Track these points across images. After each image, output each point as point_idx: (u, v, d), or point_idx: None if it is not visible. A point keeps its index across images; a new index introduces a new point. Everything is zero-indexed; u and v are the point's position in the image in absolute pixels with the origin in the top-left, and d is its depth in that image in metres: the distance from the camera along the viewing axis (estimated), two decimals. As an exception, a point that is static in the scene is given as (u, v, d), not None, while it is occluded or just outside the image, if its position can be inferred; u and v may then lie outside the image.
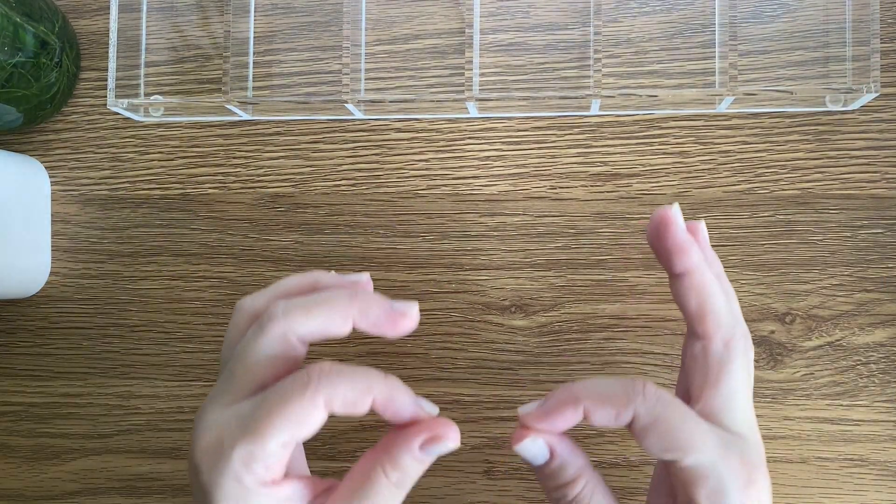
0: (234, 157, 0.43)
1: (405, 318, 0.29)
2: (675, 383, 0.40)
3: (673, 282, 0.30)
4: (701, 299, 0.30)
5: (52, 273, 0.44)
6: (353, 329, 0.28)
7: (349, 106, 0.39)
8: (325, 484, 0.29)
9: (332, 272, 0.32)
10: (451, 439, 0.28)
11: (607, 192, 0.40)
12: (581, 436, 0.40)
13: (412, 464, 0.28)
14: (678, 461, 0.27)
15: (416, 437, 0.27)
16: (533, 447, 0.29)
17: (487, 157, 0.41)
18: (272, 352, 0.28)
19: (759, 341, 0.39)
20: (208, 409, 0.28)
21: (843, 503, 0.38)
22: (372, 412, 0.27)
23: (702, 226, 0.31)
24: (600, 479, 0.30)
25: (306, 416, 0.26)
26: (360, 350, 0.41)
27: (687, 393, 0.30)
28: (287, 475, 0.27)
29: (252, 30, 0.42)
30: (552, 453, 0.30)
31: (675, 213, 0.29)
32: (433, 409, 0.29)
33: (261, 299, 0.30)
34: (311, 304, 0.28)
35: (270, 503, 0.27)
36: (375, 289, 0.41)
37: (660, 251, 0.30)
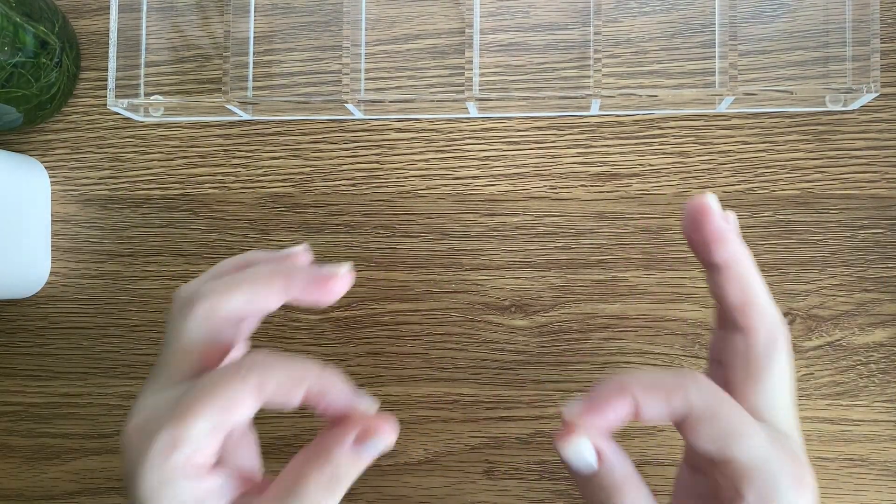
0: (234, 157, 0.43)
1: (334, 280, 0.28)
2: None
3: (711, 273, 0.29)
4: (744, 290, 0.28)
5: (52, 273, 0.44)
6: (286, 303, 0.28)
7: (349, 106, 0.39)
8: (259, 482, 0.28)
9: (268, 250, 0.31)
10: (385, 434, 0.26)
11: (607, 192, 0.40)
12: (581, 436, 0.40)
13: (345, 462, 0.26)
14: (729, 455, 0.26)
15: (349, 432, 0.26)
16: (582, 448, 0.27)
17: (487, 157, 0.41)
18: (198, 334, 0.27)
19: (759, 341, 0.39)
20: (141, 394, 0.27)
21: (843, 503, 0.38)
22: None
23: (733, 216, 0.29)
24: (649, 491, 0.29)
25: (235, 401, 0.25)
26: (359, 350, 0.41)
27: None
28: (218, 467, 0.26)
29: (252, 30, 0.42)
30: (600, 457, 0.28)
31: (712, 200, 0.28)
32: (371, 405, 0.27)
33: (194, 284, 0.29)
34: (234, 280, 0.27)
35: (190, 493, 0.25)
36: (375, 289, 0.41)
37: (697, 242, 0.28)
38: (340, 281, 0.28)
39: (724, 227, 0.28)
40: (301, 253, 0.31)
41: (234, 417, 0.25)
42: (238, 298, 0.27)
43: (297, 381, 0.26)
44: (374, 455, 0.26)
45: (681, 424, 0.27)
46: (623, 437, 0.40)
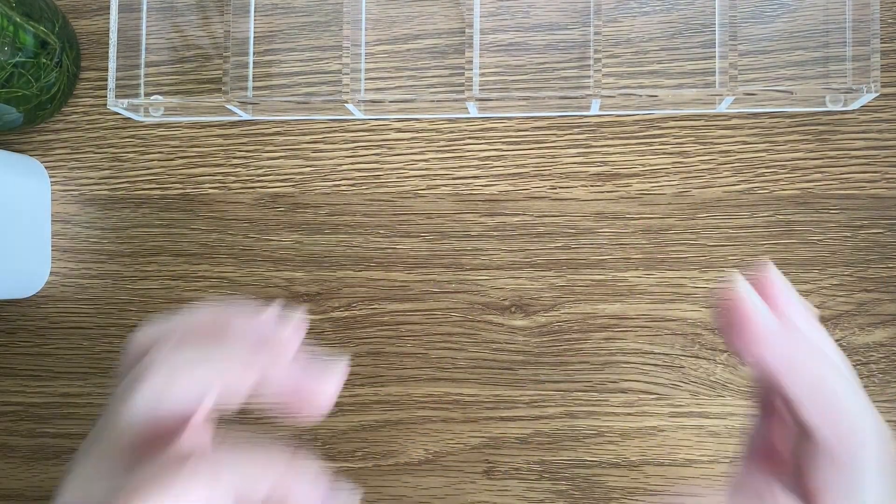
0: (234, 157, 0.43)
1: (320, 393, 0.23)
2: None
3: (754, 371, 0.24)
4: (806, 383, 0.22)
5: (52, 273, 0.44)
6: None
7: (349, 106, 0.39)
8: None
9: (249, 308, 0.25)
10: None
11: (607, 192, 0.40)
12: (581, 436, 0.40)
13: None
14: None
15: None
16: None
17: (487, 157, 0.41)
18: (142, 416, 0.22)
19: (759, 341, 0.39)
20: (70, 473, 0.22)
21: (843, 503, 0.38)
22: None
23: (772, 274, 0.24)
24: None
25: (187, 496, 0.20)
26: (359, 350, 0.41)
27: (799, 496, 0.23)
28: None
29: (252, 30, 0.42)
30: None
31: (744, 290, 0.23)
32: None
33: (152, 332, 0.24)
34: (195, 359, 0.23)
35: None
36: (375, 289, 0.41)
37: (736, 342, 0.23)
38: (328, 391, 0.23)
39: (765, 327, 0.23)
40: (291, 328, 0.24)
41: None
42: (192, 388, 0.22)
43: (258, 482, 0.21)
44: None
45: None
46: (623, 437, 0.40)
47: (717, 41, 0.40)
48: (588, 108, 0.40)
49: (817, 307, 0.39)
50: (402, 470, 0.41)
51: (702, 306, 0.39)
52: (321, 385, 0.23)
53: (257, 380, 0.22)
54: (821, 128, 0.39)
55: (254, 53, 0.42)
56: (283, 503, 0.22)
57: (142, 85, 0.43)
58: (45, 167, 0.44)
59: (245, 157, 0.42)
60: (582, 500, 0.40)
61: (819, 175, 0.39)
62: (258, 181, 0.42)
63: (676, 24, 0.40)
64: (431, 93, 0.41)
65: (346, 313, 0.41)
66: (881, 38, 0.38)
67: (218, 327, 0.24)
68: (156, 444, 0.22)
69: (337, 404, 0.42)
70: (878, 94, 0.36)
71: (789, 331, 0.23)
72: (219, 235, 0.42)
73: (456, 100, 0.39)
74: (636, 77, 0.40)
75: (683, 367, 0.39)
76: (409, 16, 0.42)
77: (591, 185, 0.40)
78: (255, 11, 0.42)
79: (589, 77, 0.40)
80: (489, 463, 0.40)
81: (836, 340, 0.39)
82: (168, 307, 0.43)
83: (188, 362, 0.22)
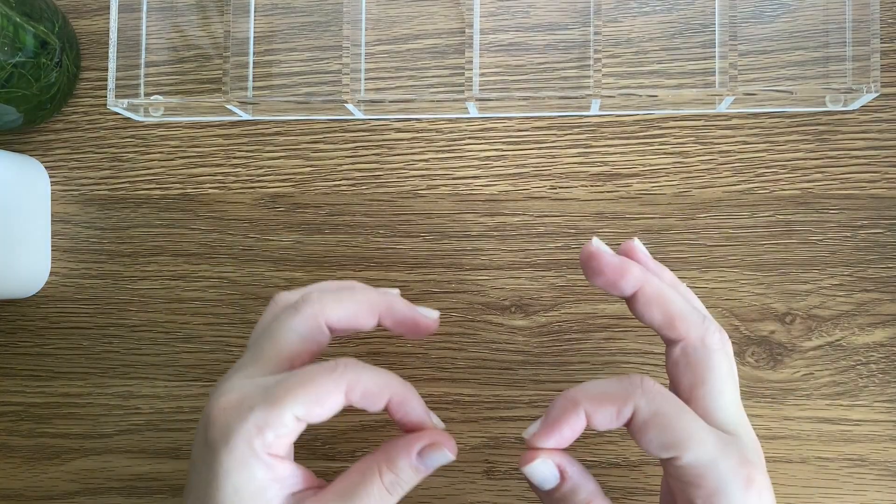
0: (234, 157, 0.43)
1: (427, 322, 0.31)
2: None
3: (631, 305, 0.30)
4: (662, 307, 0.29)
5: (52, 273, 0.44)
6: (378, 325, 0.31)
7: (349, 106, 0.39)
8: (319, 481, 0.29)
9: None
10: (449, 449, 0.29)
11: (607, 192, 0.40)
12: (580, 436, 0.39)
13: (407, 469, 0.28)
14: (677, 458, 0.27)
15: (416, 442, 0.28)
16: (543, 468, 0.29)
17: (487, 157, 0.41)
18: (302, 331, 0.29)
19: (760, 341, 0.39)
20: (232, 377, 0.29)
21: (843, 503, 0.38)
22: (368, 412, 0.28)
23: (635, 244, 0.31)
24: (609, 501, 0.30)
25: (327, 396, 0.27)
26: (360, 350, 0.41)
27: None
28: (288, 459, 0.28)
29: (252, 30, 0.42)
30: (562, 475, 0.29)
31: (596, 244, 0.30)
32: (440, 423, 0.30)
33: (298, 292, 0.32)
34: (344, 294, 0.30)
35: (268, 474, 0.27)
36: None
37: (604, 284, 0.30)
38: (432, 324, 0.31)
39: (619, 262, 0.30)
40: (396, 293, 0.33)
41: (322, 411, 0.27)
42: (344, 310, 0.30)
43: (382, 388, 0.28)
44: (433, 467, 0.29)
45: (632, 431, 0.28)
46: (623, 436, 0.40)
47: (717, 41, 0.40)
48: (588, 108, 0.40)
49: (817, 307, 0.39)
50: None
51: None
52: (429, 314, 0.31)
53: (385, 313, 0.30)
54: (821, 128, 0.39)
55: (254, 53, 0.42)
56: (396, 412, 0.29)
57: (142, 85, 0.43)
58: (45, 167, 0.44)
59: (245, 157, 0.43)
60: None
61: (819, 175, 0.39)
62: (258, 181, 0.42)
63: (676, 24, 0.40)
64: (431, 93, 0.41)
65: (346, 313, 0.41)
66: (881, 38, 0.38)
67: (348, 286, 0.32)
68: (301, 360, 0.30)
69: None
70: (878, 94, 0.36)
71: (640, 264, 0.30)
72: (219, 235, 0.42)
73: (456, 100, 0.39)
74: (636, 77, 0.40)
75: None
76: (409, 16, 0.42)
77: (591, 185, 0.40)
78: (255, 11, 0.42)
79: (589, 77, 0.40)
80: (489, 463, 0.40)
81: (836, 340, 0.39)
82: (168, 307, 0.43)
83: (336, 297, 0.30)
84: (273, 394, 0.27)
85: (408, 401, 0.29)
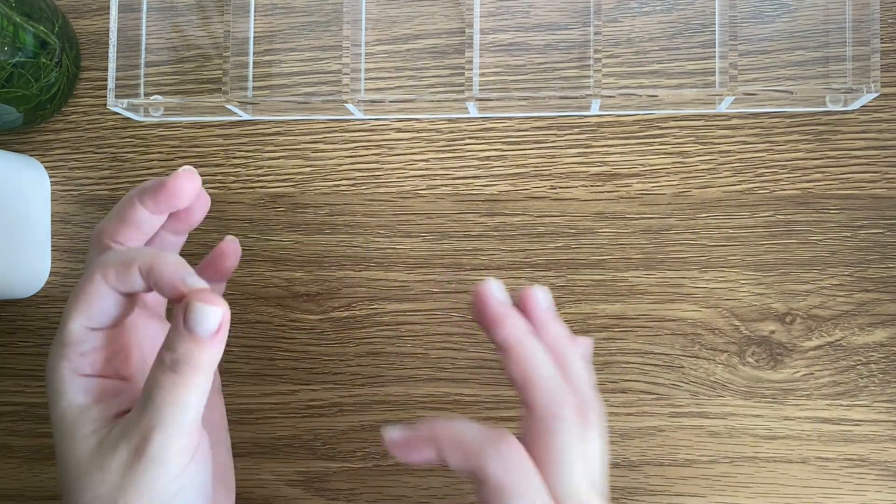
0: (234, 157, 0.43)
1: (176, 182, 0.30)
2: (665, 387, 0.40)
3: (500, 355, 0.30)
4: (522, 369, 0.29)
5: (52, 273, 0.44)
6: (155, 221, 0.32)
7: (349, 106, 0.39)
8: (132, 389, 0.29)
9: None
10: (208, 304, 0.26)
11: (607, 192, 0.40)
12: (581, 436, 0.39)
13: (185, 344, 0.26)
14: None
15: (179, 312, 0.26)
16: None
17: (487, 157, 0.41)
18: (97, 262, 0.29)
19: (760, 341, 0.39)
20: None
21: (843, 503, 0.38)
22: None
23: (537, 293, 0.31)
24: None
25: (92, 294, 0.27)
26: (359, 350, 0.41)
27: None
28: (106, 375, 0.29)
29: (252, 30, 0.42)
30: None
31: (490, 287, 0.30)
32: (200, 282, 0.26)
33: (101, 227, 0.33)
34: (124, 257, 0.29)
35: (80, 391, 0.28)
36: (375, 289, 0.41)
37: (481, 324, 0.30)
38: (182, 180, 0.30)
39: (501, 312, 0.29)
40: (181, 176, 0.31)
41: (98, 311, 0.28)
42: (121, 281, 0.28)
43: (128, 263, 0.27)
44: (206, 330, 0.26)
45: (476, 484, 0.28)
46: (623, 436, 0.40)
47: (717, 41, 0.40)
48: (588, 108, 0.40)
49: (817, 307, 0.39)
50: (402, 470, 0.41)
51: (702, 306, 0.39)
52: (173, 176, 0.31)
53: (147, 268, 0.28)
54: (821, 128, 0.39)
55: (254, 53, 0.42)
56: (148, 280, 0.27)
57: (142, 85, 0.43)
58: (45, 167, 0.44)
59: (245, 157, 0.42)
60: (582, 500, 0.40)
61: (819, 175, 0.39)
62: (258, 181, 0.42)
63: (676, 24, 0.40)
64: (431, 93, 0.41)
65: (346, 313, 0.41)
66: (881, 38, 0.38)
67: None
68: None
69: (337, 404, 0.42)
70: (878, 94, 0.36)
71: (518, 324, 0.29)
72: (219, 235, 0.42)
73: (456, 100, 0.39)
74: (636, 77, 0.40)
75: (683, 367, 0.39)
76: (409, 16, 0.42)
77: (591, 185, 0.40)
78: (255, 11, 0.42)
79: (589, 77, 0.40)
80: (489, 463, 0.40)
81: (837, 340, 0.39)
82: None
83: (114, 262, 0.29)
84: (62, 318, 0.28)
85: (155, 267, 0.27)
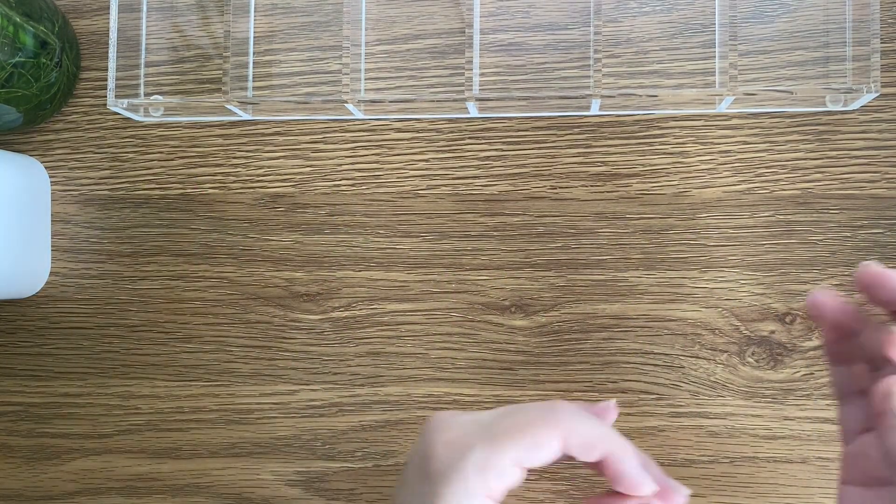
0: (234, 157, 0.43)
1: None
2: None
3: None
4: None
5: (52, 273, 0.44)
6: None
7: (349, 106, 0.39)
8: None
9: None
10: None
11: (607, 192, 0.40)
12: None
13: None
14: None
15: None
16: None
17: (487, 157, 0.41)
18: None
19: (760, 341, 0.39)
20: (446, 412, 0.30)
21: (843, 503, 0.38)
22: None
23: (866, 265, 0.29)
24: None
25: (544, 443, 0.27)
26: (359, 350, 0.41)
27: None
28: None
29: (252, 30, 0.42)
30: None
31: (867, 264, 0.29)
32: (652, 487, 0.29)
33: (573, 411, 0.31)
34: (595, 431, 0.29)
35: None
36: (375, 289, 0.41)
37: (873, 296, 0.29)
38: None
39: (883, 273, 0.28)
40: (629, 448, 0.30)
41: (536, 458, 0.27)
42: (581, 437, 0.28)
43: (598, 441, 0.28)
44: None
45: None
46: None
47: (717, 41, 0.40)
48: (588, 108, 0.40)
49: (817, 307, 0.39)
50: (402, 470, 0.41)
51: (702, 306, 0.39)
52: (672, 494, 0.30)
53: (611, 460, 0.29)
54: (821, 128, 0.39)
55: (254, 53, 0.42)
56: (608, 467, 0.28)
57: (142, 85, 0.43)
58: (45, 167, 0.44)
59: (245, 157, 0.42)
60: (582, 500, 0.40)
61: (819, 175, 0.39)
62: (258, 181, 0.42)
63: (676, 24, 0.40)
64: (431, 93, 0.41)
65: (346, 313, 0.41)
66: (881, 38, 0.38)
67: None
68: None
69: (337, 404, 0.42)
70: (878, 94, 0.36)
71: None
72: (219, 235, 0.42)
73: (456, 100, 0.39)
74: (636, 77, 0.40)
75: (683, 367, 0.39)
76: (409, 16, 0.42)
77: (591, 185, 0.40)
78: (255, 11, 0.42)
79: (589, 77, 0.40)
80: (489, 463, 0.40)
81: (836, 340, 0.39)
82: (168, 307, 0.43)
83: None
84: (492, 434, 0.27)
85: (623, 460, 0.28)
